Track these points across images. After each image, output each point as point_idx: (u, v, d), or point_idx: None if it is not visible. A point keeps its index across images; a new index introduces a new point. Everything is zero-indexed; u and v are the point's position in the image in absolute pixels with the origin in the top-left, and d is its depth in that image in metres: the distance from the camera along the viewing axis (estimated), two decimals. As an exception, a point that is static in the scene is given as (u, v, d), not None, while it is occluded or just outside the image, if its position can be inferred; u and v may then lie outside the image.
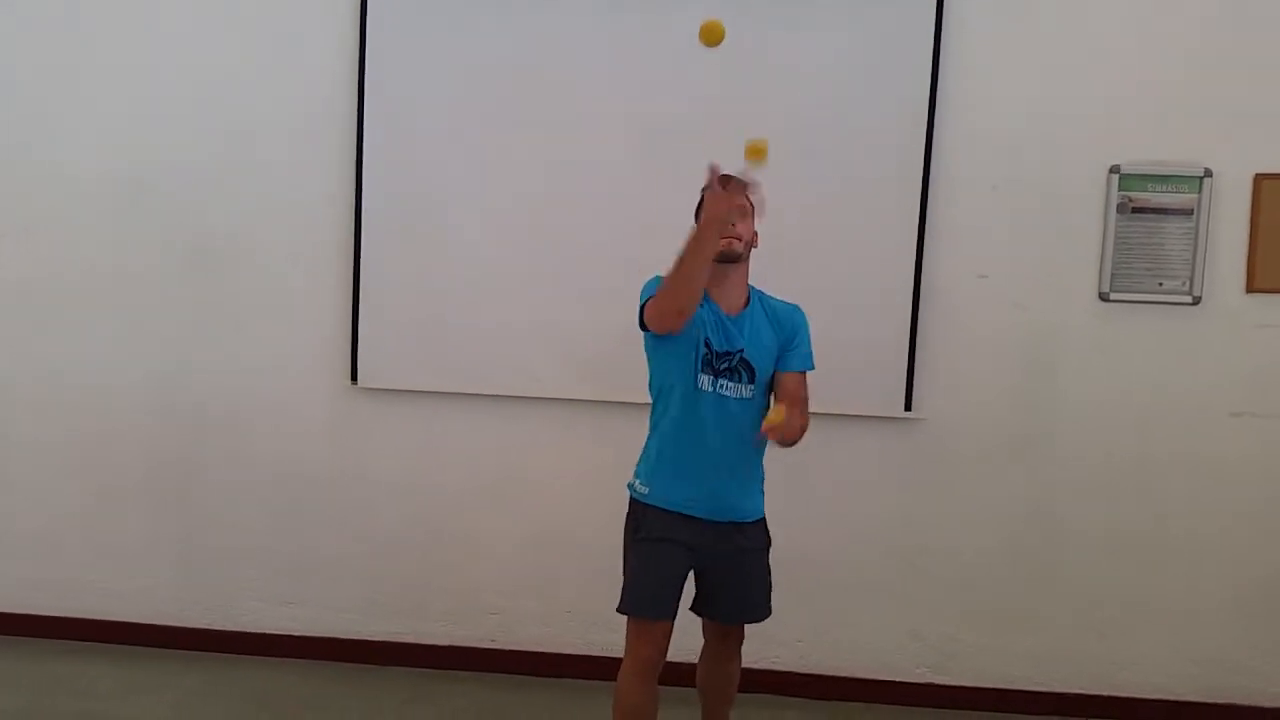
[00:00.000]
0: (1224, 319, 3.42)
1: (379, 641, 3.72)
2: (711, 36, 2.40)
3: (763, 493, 2.69)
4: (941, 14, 3.38)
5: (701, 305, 2.51)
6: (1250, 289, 3.40)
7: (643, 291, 2.56)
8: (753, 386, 2.57)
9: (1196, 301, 3.41)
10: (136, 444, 3.76)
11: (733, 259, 2.55)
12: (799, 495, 3.47)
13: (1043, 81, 3.41)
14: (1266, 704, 3.49)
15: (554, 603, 3.68)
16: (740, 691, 2.87)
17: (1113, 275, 3.42)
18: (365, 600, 3.74)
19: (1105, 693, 3.53)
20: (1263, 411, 3.43)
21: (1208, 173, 3.38)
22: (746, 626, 2.77)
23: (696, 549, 2.60)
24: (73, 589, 3.82)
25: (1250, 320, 3.41)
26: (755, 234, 2.60)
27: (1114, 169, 3.40)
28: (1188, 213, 3.38)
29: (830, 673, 3.60)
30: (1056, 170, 3.42)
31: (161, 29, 3.64)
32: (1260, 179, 3.37)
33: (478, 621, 3.71)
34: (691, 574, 2.67)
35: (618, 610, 2.61)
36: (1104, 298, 3.44)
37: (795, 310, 2.67)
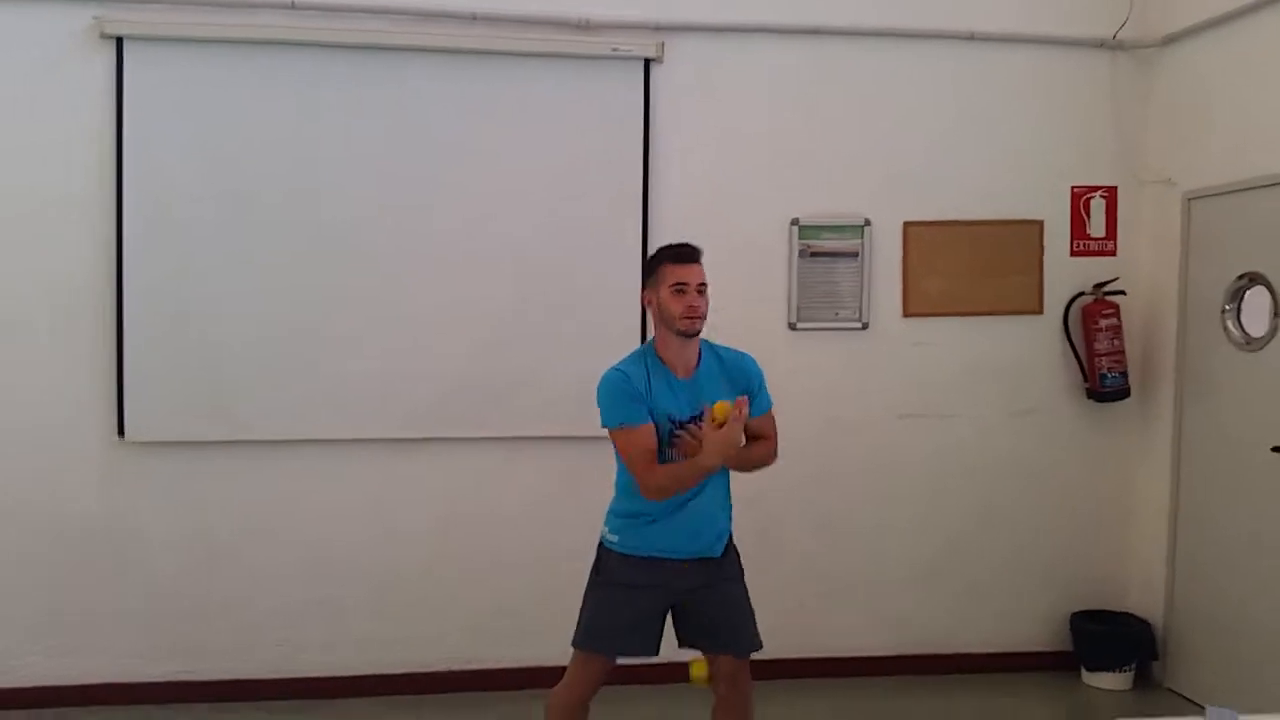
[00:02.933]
0: (887, 340, 4.18)
1: (160, 683, 3.83)
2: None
3: (731, 518, 2.82)
4: (649, 95, 3.97)
5: (655, 376, 2.66)
6: (906, 314, 4.19)
7: (601, 392, 2.65)
8: None
9: (865, 327, 4.16)
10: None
11: (694, 335, 2.71)
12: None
13: (733, 149, 4.07)
14: (944, 651, 4.28)
15: (339, 630, 3.93)
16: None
17: (798, 308, 4.12)
18: (145, 645, 3.84)
19: (817, 655, 4.19)
20: (923, 413, 4.22)
21: (867, 222, 4.13)
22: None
23: (669, 588, 2.73)
24: None
25: (908, 340, 4.20)
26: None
27: (794, 221, 4.10)
28: (854, 255, 4.13)
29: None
30: (749, 223, 4.08)
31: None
32: (907, 225, 4.17)
33: (261, 654, 3.91)
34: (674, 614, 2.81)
35: (572, 644, 2.78)
36: (792, 327, 4.12)
37: (745, 357, 2.80)
